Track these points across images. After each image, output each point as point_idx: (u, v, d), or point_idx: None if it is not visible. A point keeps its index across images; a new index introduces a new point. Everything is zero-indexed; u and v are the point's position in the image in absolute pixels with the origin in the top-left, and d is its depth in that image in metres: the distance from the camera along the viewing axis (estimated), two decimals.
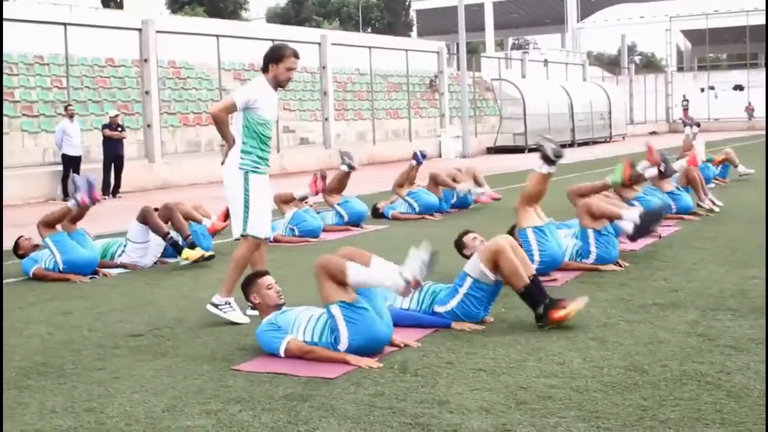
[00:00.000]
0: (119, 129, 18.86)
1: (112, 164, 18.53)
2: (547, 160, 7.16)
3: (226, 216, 10.15)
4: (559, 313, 5.51)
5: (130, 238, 8.82)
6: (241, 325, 5.98)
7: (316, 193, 11.10)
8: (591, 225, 7.75)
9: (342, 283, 4.96)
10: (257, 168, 6.15)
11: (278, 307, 5.29)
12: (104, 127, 18.90)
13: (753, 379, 4.33)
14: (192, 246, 8.73)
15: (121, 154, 18.72)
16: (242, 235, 6.24)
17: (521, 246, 7.11)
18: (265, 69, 6.15)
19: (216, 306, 6.15)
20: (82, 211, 8.47)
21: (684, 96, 52.69)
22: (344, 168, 11.48)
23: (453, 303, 5.72)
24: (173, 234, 8.78)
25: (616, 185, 8.92)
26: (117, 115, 19.30)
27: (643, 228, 8.02)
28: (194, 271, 8.45)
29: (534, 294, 5.64)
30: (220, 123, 6.12)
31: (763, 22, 52.29)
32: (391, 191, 13.01)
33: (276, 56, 6.09)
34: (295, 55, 6.07)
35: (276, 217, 10.74)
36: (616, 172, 8.90)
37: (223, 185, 6.29)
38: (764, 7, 49.73)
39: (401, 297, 5.50)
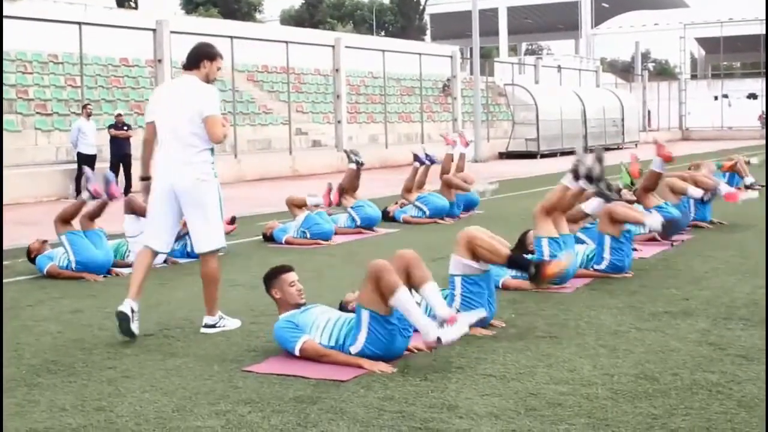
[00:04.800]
0: (125, 128, 18.94)
1: (121, 163, 18.60)
2: (576, 176, 6.96)
3: (231, 221, 10.23)
4: (552, 268, 5.52)
5: (127, 234, 8.87)
6: (251, 326, 5.97)
7: (329, 205, 11.13)
8: (609, 230, 7.48)
9: (385, 297, 4.88)
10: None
11: (298, 306, 5.27)
12: (110, 126, 19.03)
13: (763, 389, 4.31)
14: None
15: (129, 152, 18.76)
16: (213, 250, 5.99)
17: (534, 253, 7.09)
18: (195, 65, 6.02)
19: (212, 326, 5.93)
20: (100, 207, 8.41)
21: (648, 111, 52.57)
22: (353, 165, 11.47)
23: (456, 306, 5.65)
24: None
25: (628, 187, 8.90)
26: (120, 114, 19.39)
27: (671, 230, 8.08)
28: None
29: (520, 259, 5.66)
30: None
31: None
32: (401, 195, 13.00)
33: (211, 54, 6.08)
34: (221, 56, 6.15)
35: (287, 220, 10.79)
36: (622, 176, 8.94)
37: (190, 195, 5.96)
38: None
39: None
